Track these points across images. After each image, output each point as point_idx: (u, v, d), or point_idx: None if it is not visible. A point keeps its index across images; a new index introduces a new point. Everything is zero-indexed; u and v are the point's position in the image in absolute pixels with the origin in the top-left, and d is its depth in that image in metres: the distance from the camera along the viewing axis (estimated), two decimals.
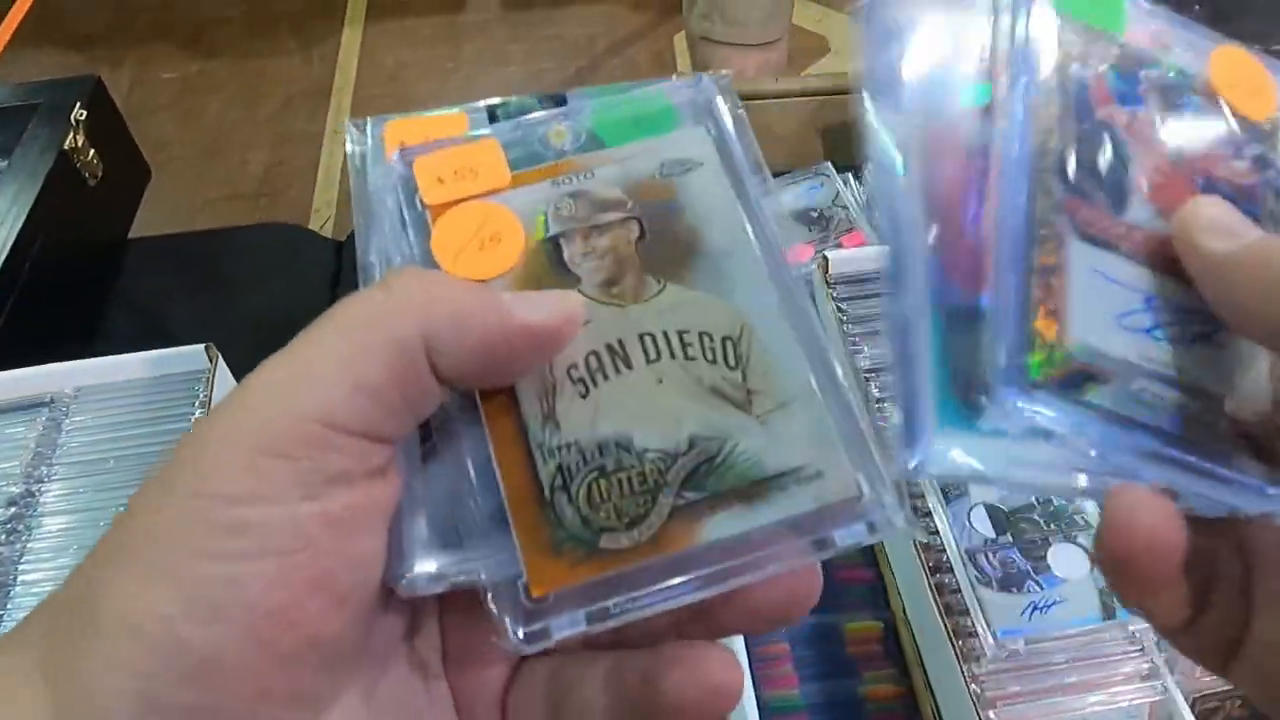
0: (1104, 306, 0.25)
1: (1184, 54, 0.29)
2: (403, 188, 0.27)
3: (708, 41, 1.43)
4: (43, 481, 0.65)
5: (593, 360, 0.25)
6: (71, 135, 0.88)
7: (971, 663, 0.53)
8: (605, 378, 0.25)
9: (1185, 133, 0.28)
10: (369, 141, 0.29)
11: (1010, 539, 0.56)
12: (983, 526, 0.56)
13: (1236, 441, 0.26)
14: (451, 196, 0.26)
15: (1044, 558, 0.55)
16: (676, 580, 0.23)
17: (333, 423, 0.21)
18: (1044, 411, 0.24)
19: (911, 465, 0.23)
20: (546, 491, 0.24)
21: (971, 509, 0.57)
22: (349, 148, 0.29)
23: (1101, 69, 0.28)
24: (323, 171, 2.11)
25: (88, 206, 0.91)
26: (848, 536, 0.24)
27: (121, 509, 0.65)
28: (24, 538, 0.62)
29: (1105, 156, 0.27)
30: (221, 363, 0.68)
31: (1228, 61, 0.30)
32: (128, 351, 0.69)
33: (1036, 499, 0.58)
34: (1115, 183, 0.27)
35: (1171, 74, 0.29)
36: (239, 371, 0.70)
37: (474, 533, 0.24)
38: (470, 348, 0.22)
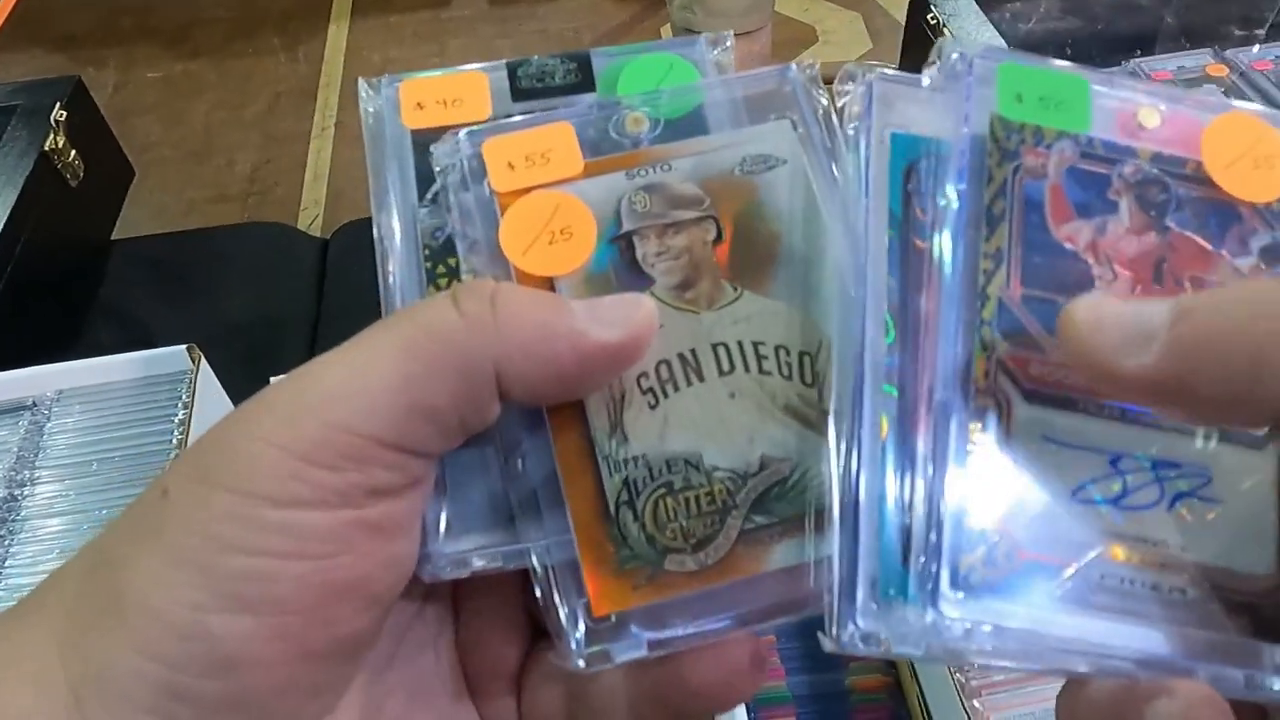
0: (1058, 481, 0.22)
1: (1168, 133, 0.25)
2: (469, 168, 0.25)
3: (690, 33, 1.43)
4: (25, 485, 0.64)
5: (663, 370, 0.24)
6: (52, 136, 0.88)
7: None
8: (676, 389, 0.24)
9: (1170, 238, 0.24)
10: (383, 101, 0.28)
11: None
12: None
13: (1233, 619, 0.22)
14: (522, 184, 0.25)
15: None
16: (742, 608, 0.23)
17: (384, 440, 0.20)
18: (984, 618, 0.21)
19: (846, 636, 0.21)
20: (612, 506, 0.23)
21: None
22: (363, 107, 0.28)
23: (1056, 180, 0.24)
24: (310, 170, 2.10)
25: (69, 208, 0.90)
26: None
27: (105, 513, 0.65)
28: (7, 542, 0.62)
29: (1063, 290, 0.23)
30: (205, 364, 0.68)
31: (1226, 133, 0.24)
32: (110, 354, 0.69)
33: None
34: None
35: (1150, 165, 0.24)
36: (222, 373, 0.69)
37: (500, 520, 0.24)
38: (543, 374, 0.21)
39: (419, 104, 0.27)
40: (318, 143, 2.16)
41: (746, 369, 0.24)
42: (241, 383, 0.71)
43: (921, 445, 0.21)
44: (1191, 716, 0.19)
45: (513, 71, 0.29)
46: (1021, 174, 0.24)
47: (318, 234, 1.06)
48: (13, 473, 0.65)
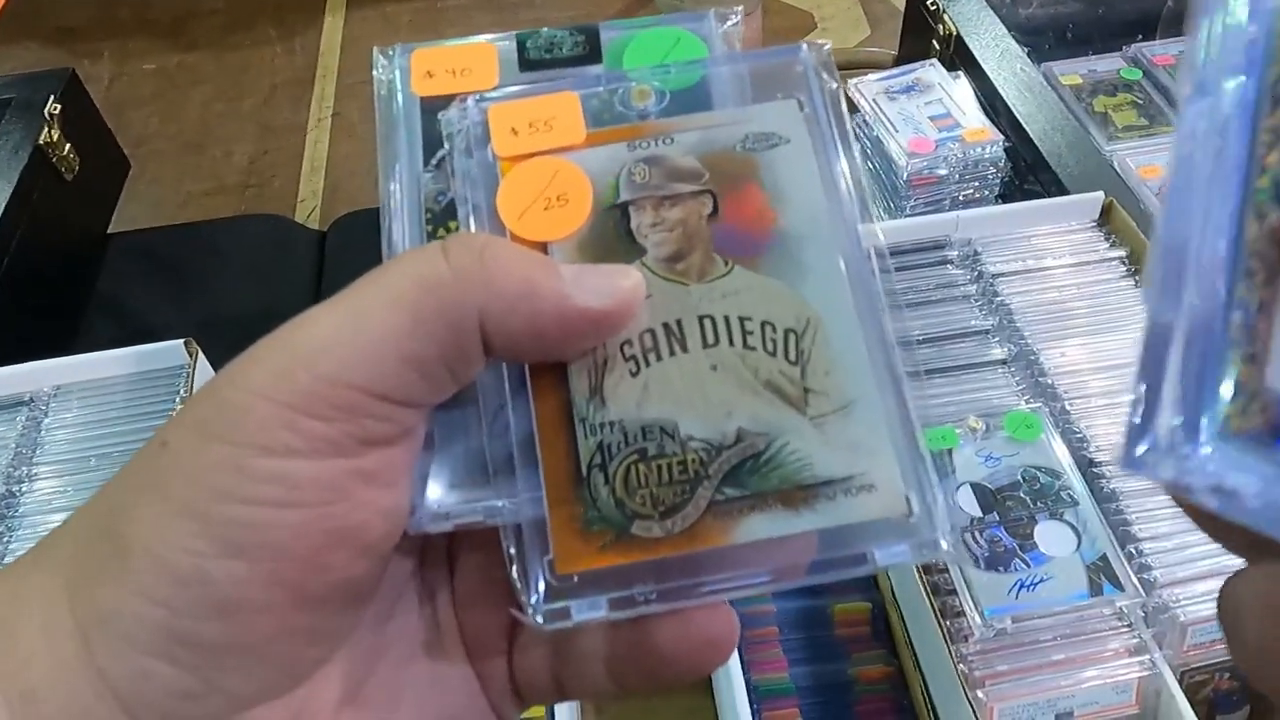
0: None
1: None
2: (474, 134, 0.25)
3: None
4: (23, 481, 0.64)
5: (648, 338, 0.24)
6: (46, 130, 0.87)
7: (959, 642, 0.53)
8: (658, 358, 0.24)
9: None
10: (396, 71, 0.28)
11: (996, 517, 0.55)
12: (969, 505, 0.56)
13: None
14: (523, 150, 0.25)
15: (1030, 535, 0.54)
16: (704, 578, 0.23)
17: (375, 392, 0.21)
18: (1230, 471, 0.21)
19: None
20: (584, 469, 0.23)
21: (958, 488, 0.57)
22: (376, 76, 0.28)
23: None
24: (308, 161, 2.09)
25: (65, 202, 0.90)
26: (889, 556, 0.23)
27: None
28: (6, 539, 0.62)
29: None
30: (202, 358, 0.67)
31: None
32: (108, 349, 0.68)
33: (1022, 475, 0.57)
34: None
35: None
36: (220, 367, 0.69)
37: (482, 476, 0.24)
38: (525, 329, 0.22)
39: (429, 72, 0.28)
40: (315, 134, 2.15)
41: (731, 343, 0.24)
42: None
43: (1186, 296, 0.22)
44: None
45: (521, 43, 0.29)
46: None
47: (316, 226, 1.05)
48: (11, 469, 0.65)
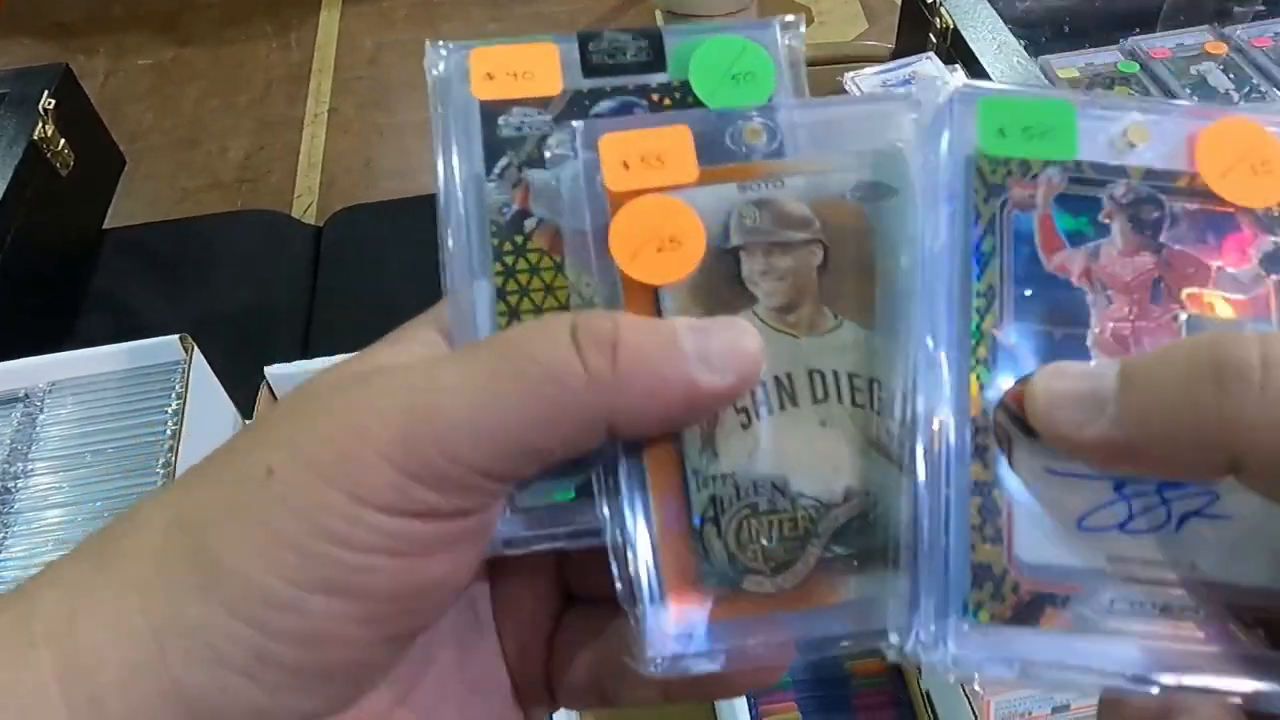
0: (1063, 511, 0.22)
1: (1160, 147, 0.24)
2: (584, 165, 0.25)
3: (673, 15, 1.42)
4: (19, 478, 0.64)
5: (759, 391, 0.24)
6: (40, 125, 0.87)
7: None
8: (770, 411, 0.24)
9: (1166, 255, 0.23)
10: (451, 67, 0.28)
11: None
12: None
13: (1246, 636, 0.22)
14: (635, 185, 0.25)
15: None
16: (812, 636, 0.23)
17: (493, 473, 0.21)
18: (994, 656, 0.21)
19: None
20: (696, 520, 0.23)
21: None
22: (429, 70, 0.27)
23: (1045, 209, 0.24)
24: (304, 157, 2.09)
25: (60, 197, 0.89)
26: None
27: (100, 504, 0.65)
28: (1, 535, 0.62)
29: (1057, 321, 0.23)
30: (197, 353, 0.67)
31: (1220, 140, 0.24)
32: (103, 344, 0.68)
33: None
34: (1068, 350, 0.23)
35: (1142, 183, 0.24)
36: (215, 362, 0.69)
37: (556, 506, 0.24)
38: (654, 420, 0.22)
39: (489, 74, 0.27)
40: (311, 130, 2.15)
41: (840, 399, 0.24)
42: (234, 371, 0.71)
43: (921, 481, 0.22)
44: None
45: (584, 45, 0.28)
46: (1010, 208, 0.24)
47: (312, 221, 1.05)
48: (6, 465, 0.64)
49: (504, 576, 0.27)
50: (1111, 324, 0.23)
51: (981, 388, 0.23)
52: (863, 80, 0.89)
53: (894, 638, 0.22)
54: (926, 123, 0.24)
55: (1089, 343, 0.23)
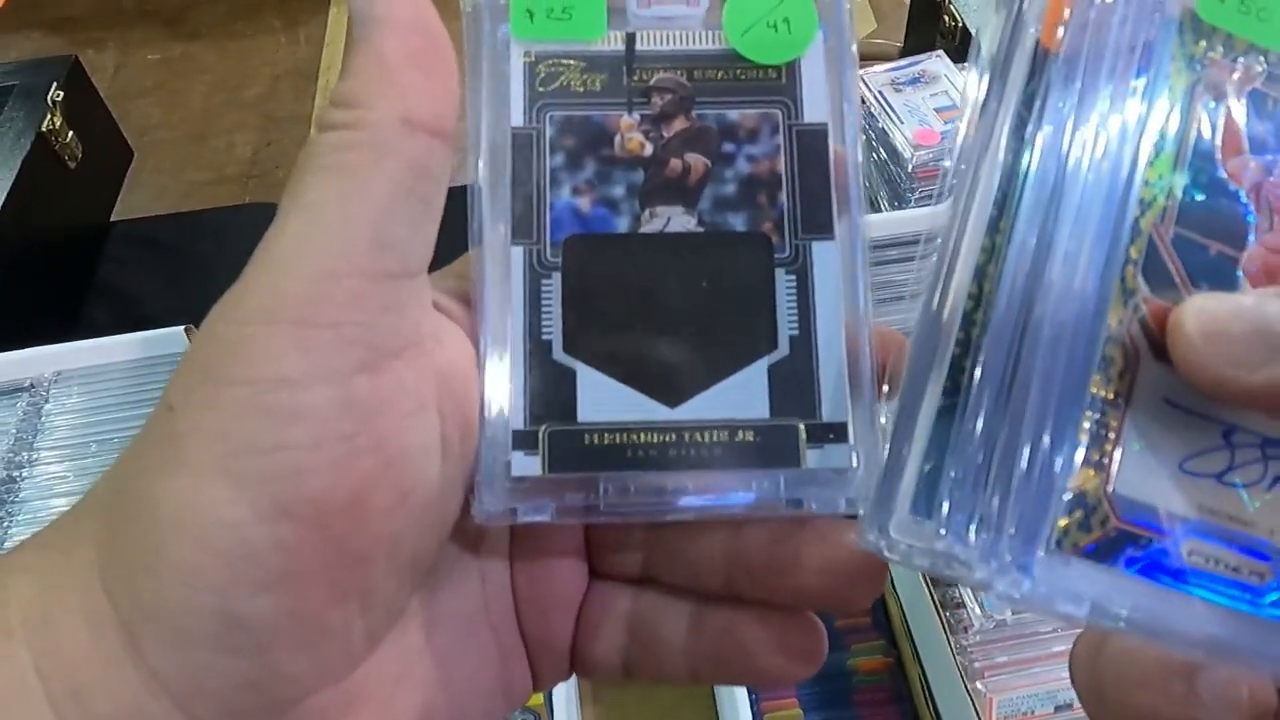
0: (1169, 448, 0.20)
1: None
2: None
3: None
4: (23, 466, 0.64)
5: None
6: (49, 117, 0.87)
7: (959, 634, 0.53)
8: None
9: None
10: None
11: None
12: None
13: None
14: None
15: None
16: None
17: (369, 270, 0.19)
18: (1067, 591, 0.19)
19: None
20: None
21: None
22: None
23: (1236, 101, 0.20)
24: None
25: (67, 189, 0.90)
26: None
27: None
28: (6, 524, 0.62)
29: (1216, 235, 0.20)
30: None
31: None
32: (108, 335, 0.68)
33: None
34: (1220, 272, 0.20)
35: None
36: None
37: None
38: None
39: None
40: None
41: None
42: None
43: (1034, 392, 0.19)
44: (1246, 691, 0.19)
45: None
46: (1201, 89, 0.20)
47: None
48: (11, 454, 0.65)
49: (528, 554, 0.26)
50: (1265, 253, 0.20)
51: (1126, 293, 0.20)
52: (871, 78, 0.89)
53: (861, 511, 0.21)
54: None
55: (1240, 267, 0.20)
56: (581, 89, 0.25)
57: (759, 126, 0.25)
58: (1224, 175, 0.21)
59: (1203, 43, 0.21)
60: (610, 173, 0.25)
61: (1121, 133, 0.20)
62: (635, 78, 0.25)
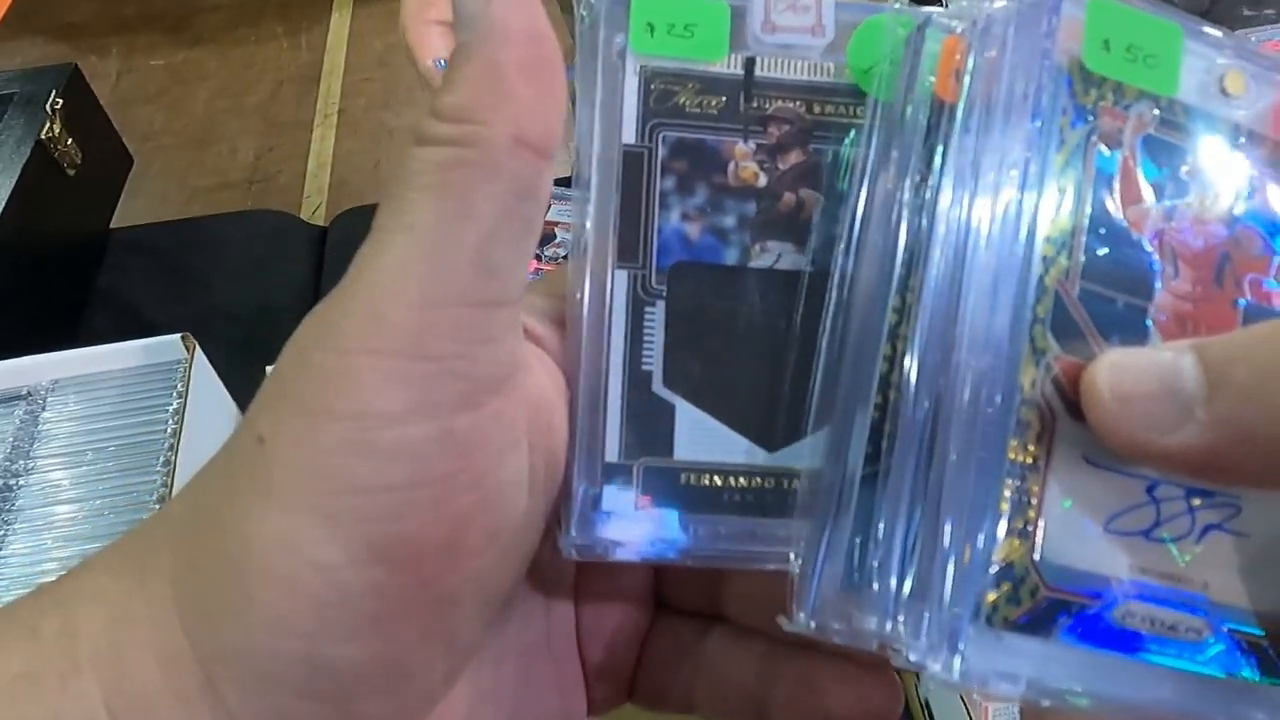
0: (1093, 508, 0.19)
1: (1255, 103, 0.21)
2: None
3: None
4: (21, 475, 0.64)
5: None
6: (49, 124, 0.88)
7: None
8: None
9: (1236, 233, 0.20)
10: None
11: None
12: None
13: (1247, 659, 0.20)
14: None
15: None
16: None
17: (488, 299, 0.19)
18: (1001, 668, 0.18)
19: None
20: None
21: None
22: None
23: (1130, 150, 0.20)
24: (314, 158, 2.10)
25: (67, 196, 0.90)
26: None
27: (101, 501, 0.65)
28: (3, 532, 0.62)
29: (1122, 286, 0.20)
30: (199, 353, 0.67)
31: None
32: (106, 343, 0.69)
33: None
34: (1129, 324, 0.20)
35: (1228, 136, 0.21)
36: (217, 362, 0.69)
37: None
38: None
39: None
40: (320, 131, 2.15)
41: None
42: (237, 371, 0.71)
43: (951, 463, 0.19)
44: None
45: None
46: (1095, 139, 0.20)
47: (321, 223, 1.05)
48: (8, 462, 0.65)
49: (595, 582, 0.25)
50: (1173, 300, 0.20)
51: (1037, 353, 0.19)
52: None
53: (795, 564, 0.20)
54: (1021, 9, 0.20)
55: (1149, 318, 0.20)
56: (697, 110, 0.24)
57: None
58: (1125, 225, 0.20)
59: (1093, 92, 0.20)
60: (722, 201, 0.23)
61: (1020, 188, 0.19)
62: (753, 105, 0.24)
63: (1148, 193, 0.20)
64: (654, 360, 0.23)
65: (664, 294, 0.23)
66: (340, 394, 0.18)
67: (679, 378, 0.23)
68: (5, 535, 0.62)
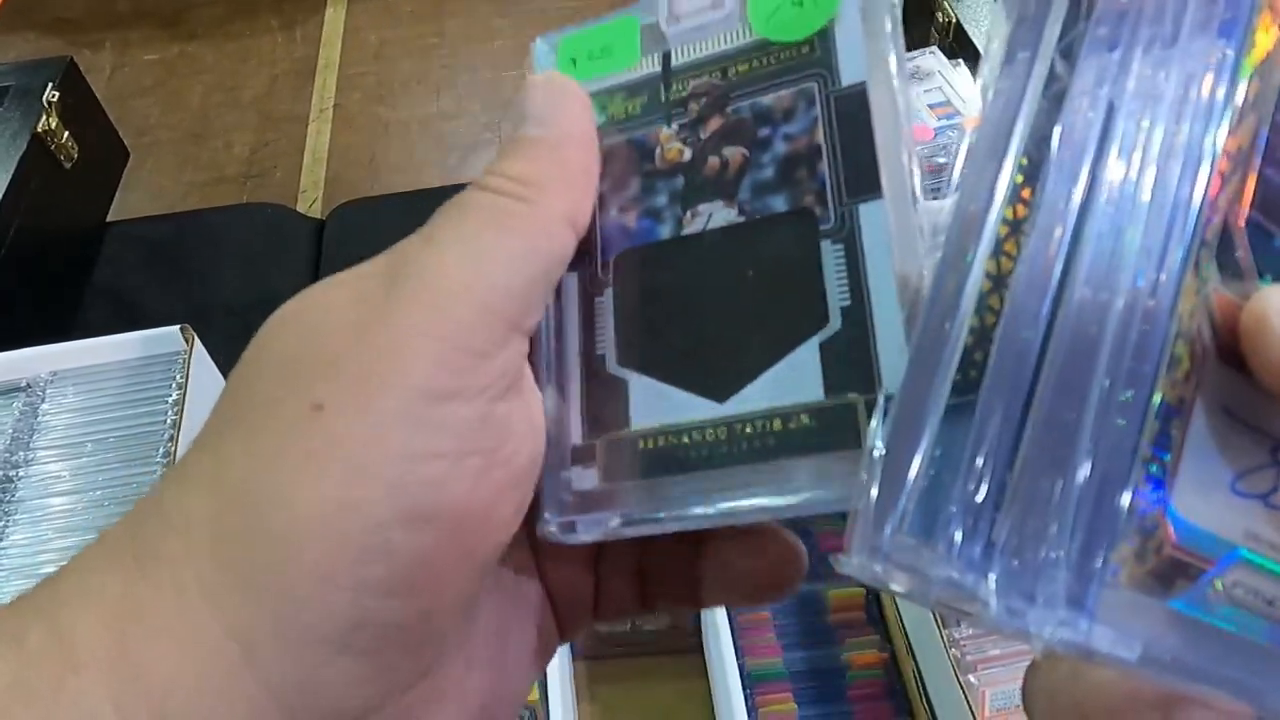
0: (1224, 465, 0.17)
1: None
2: None
3: None
4: (20, 466, 0.64)
5: None
6: (44, 118, 0.87)
7: (952, 627, 0.53)
8: None
9: None
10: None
11: None
12: None
13: None
14: None
15: None
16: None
17: (519, 325, 0.21)
18: (1120, 632, 0.16)
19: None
20: None
21: None
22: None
23: None
24: (309, 152, 2.09)
25: (63, 190, 0.90)
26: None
27: (100, 493, 0.65)
28: (3, 523, 0.62)
29: None
30: (198, 344, 0.67)
31: None
32: (105, 335, 0.69)
33: None
34: None
35: None
36: (216, 353, 0.69)
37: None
38: None
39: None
40: (316, 125, 2.15)
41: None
42: (235, 362, 0.71)
43: (1093, 392, 0.16)
44: None
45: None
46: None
47: (317, 217, 1.05)
48: (8, 454, 0.65)
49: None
50: None
51: (1201, 281, 0.17)
52: None
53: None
54: None
55: None
56: (624, 115, 0.26)
57: (794, 104, 0.24)
58: None
59: None
60: (653, 184, 0.25)
61: (1192, 90, 0.17)
62: (672, 90, 0.25)
63: None
64: (606, 344, 0.24)
65: (609, 283, 0.24)
66: (399, 370, 0.19)
67: (630, 354, 0.24)
68: (5, 527, 0.62)
